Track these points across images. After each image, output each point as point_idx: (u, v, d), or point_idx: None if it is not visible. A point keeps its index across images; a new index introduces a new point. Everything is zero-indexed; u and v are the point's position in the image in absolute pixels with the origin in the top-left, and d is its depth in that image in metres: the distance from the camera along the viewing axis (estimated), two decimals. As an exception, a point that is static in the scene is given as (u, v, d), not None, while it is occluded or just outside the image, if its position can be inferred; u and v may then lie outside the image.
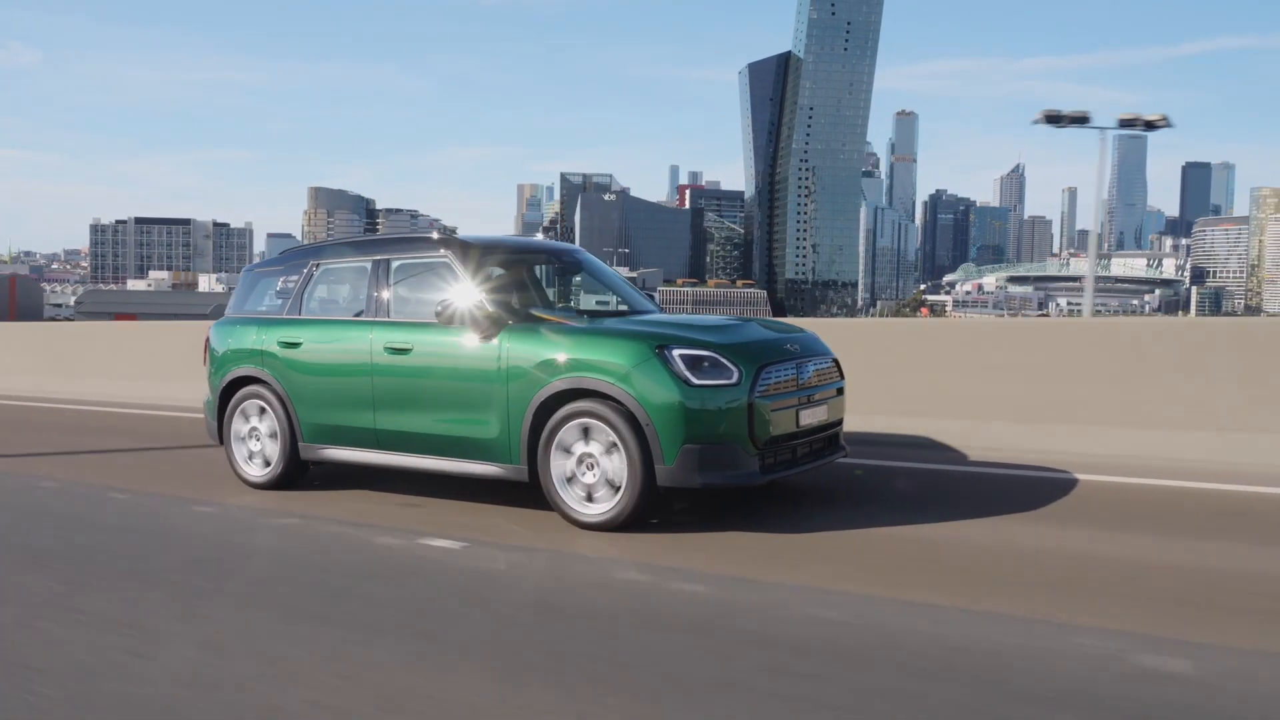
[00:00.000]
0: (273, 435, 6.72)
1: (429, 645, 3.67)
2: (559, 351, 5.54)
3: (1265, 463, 6.66)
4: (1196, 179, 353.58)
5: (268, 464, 6.76)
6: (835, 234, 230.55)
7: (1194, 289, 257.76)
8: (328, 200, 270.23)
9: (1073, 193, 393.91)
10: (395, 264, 6.37)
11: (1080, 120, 35.66)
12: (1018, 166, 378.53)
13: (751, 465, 5.28)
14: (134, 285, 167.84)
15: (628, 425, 5.26)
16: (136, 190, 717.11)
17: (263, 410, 6.77)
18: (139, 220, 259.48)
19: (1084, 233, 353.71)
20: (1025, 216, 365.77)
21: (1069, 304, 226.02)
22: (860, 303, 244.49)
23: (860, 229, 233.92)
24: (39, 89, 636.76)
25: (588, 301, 7.36)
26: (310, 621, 3.97)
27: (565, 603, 4.24)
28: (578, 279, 7.34)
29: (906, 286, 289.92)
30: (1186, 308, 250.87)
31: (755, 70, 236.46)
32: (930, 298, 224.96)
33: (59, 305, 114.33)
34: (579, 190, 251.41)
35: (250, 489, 6.76)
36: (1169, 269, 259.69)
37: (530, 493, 5.82)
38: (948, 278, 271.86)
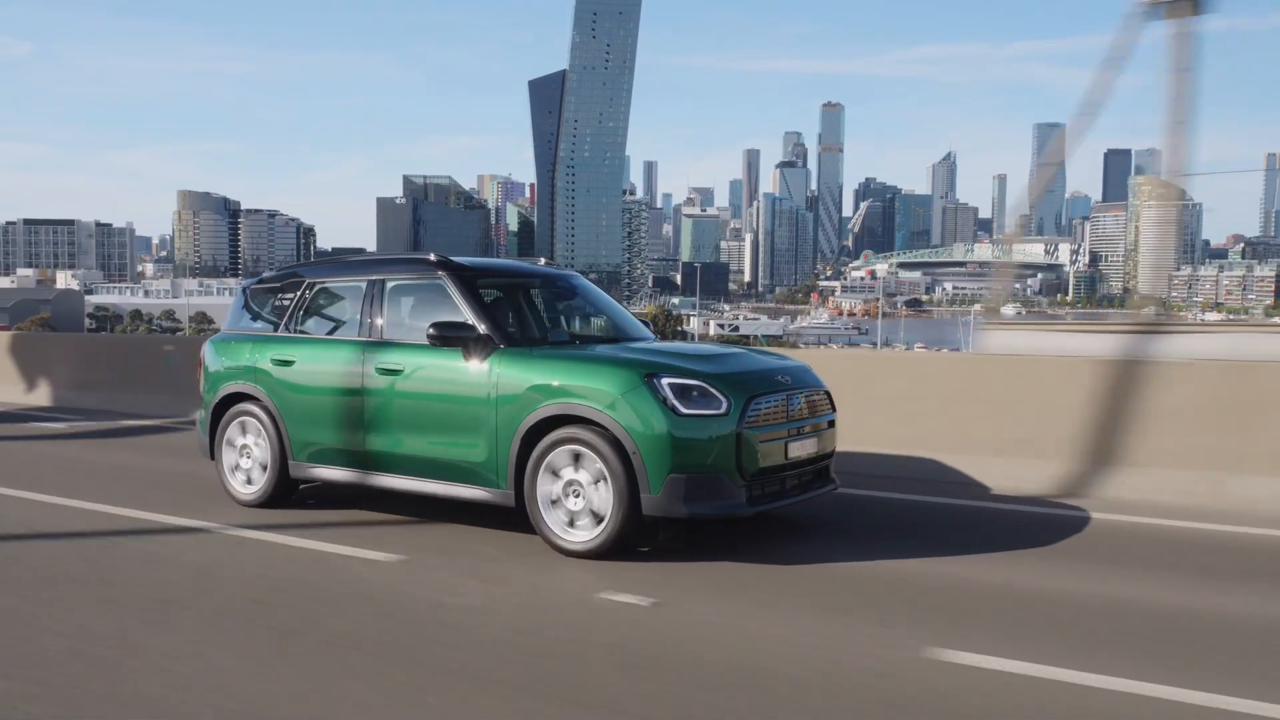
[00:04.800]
0: (263, 453, 6.69)
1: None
2: (548, 377, 5.55)
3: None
4: (1117, 165, 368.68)
5: (259, 481, 6.74)
6: (598, 231, 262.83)
7: (1072, 273, 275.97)
8: (194, 201, 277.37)
9: (1002, 180, 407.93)
10: (390, 285, 6.38)
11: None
12: (949, 154, 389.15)
13: (738, 496, 5.29)
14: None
15: (614, 453, 5.25)
16: (131, 180, 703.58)
17: (255, 428, 6.75)
18: (27, 221, 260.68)
19: (988, 221, 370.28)
20: (956, 203, 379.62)
21: (954, 288, 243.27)
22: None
23: (619, 225, 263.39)
24: (30, 81, 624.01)
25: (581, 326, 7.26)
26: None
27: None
28: (571, 303, 7.29)
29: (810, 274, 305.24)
30: (1066, 290, 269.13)
31: (535, 86, 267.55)
32: (824, 283, 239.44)
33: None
34: (421, 192, 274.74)
35: (239, 506, 6.74)
36: (1064, 254, 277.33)
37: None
38: (852, 264, 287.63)
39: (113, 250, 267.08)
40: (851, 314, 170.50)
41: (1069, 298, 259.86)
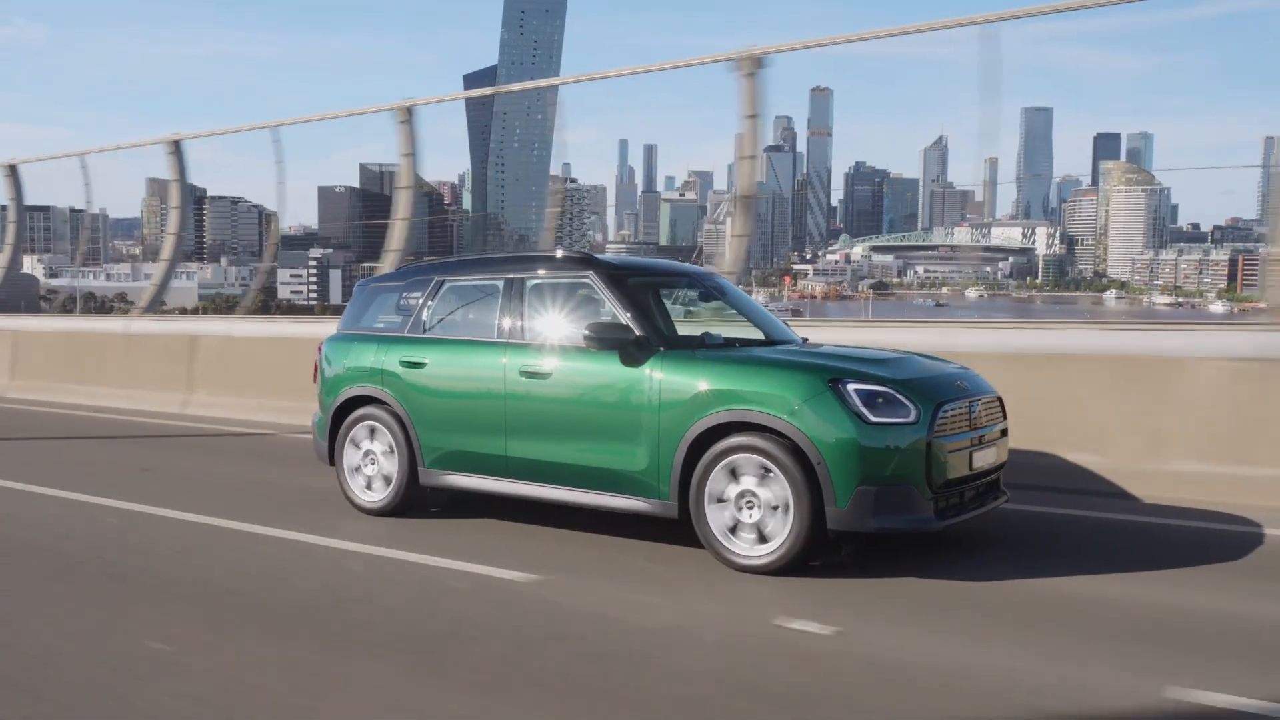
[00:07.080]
0: (390, 459, 6.43)
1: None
2: (718, 381, 5.28)
3: None
4: (1107, 149, 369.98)
5: (384, 488, 6.49)
6: (527, 219, 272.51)
7: (1042, 257, 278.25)
8: (160, 189, 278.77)
9: (994, 163, 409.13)
10: (530, 284, 6.14)
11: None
12: (940, 138, 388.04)
13: (927, 510, 5.04)
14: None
15: (796, 463, 4.98)
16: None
17: (380, 432, 6.49)
18: (3, 208, 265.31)
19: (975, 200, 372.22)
20: (946, 187, 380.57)
21: (925, 271, 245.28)
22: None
23: (546, 218, 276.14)
24: (46, 64, 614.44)
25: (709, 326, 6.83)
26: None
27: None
28: (719, 303, 6.99)
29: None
30: (1035, 274, 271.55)
31: (470, 80, 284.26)
32: (797, 267, 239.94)
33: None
34: (376, 181, 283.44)
35: (362, 515, 6.49)
36: (1041, 238, 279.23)
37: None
38: (830, 248, 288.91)
39: (87, 235, 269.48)
40: (811, 296, 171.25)
41: (1038, 280, 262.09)
